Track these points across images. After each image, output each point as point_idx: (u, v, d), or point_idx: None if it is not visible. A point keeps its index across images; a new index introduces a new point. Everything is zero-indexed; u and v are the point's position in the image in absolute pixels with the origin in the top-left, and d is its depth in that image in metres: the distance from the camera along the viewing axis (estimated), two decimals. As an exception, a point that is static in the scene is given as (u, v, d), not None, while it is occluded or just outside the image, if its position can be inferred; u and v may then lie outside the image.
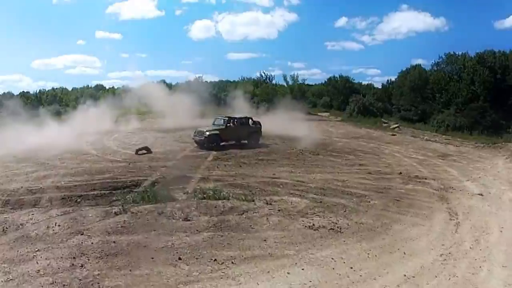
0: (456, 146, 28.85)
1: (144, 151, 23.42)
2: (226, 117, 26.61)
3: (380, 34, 62.79)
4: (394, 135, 34.39)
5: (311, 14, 66.00)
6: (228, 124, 25.83)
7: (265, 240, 10.73)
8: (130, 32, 59.59)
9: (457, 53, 41.08)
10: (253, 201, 14.05)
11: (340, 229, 11.70)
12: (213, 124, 26.41)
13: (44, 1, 58.88)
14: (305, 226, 11.87)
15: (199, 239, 10.61)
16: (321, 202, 14.21)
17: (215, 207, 13.12)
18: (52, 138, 26.71)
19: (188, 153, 23.84)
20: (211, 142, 24.80)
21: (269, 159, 22.33)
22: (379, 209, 13.53)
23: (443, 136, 33.12)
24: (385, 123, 40.63)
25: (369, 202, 14.42)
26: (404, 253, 10.06)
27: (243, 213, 12.73)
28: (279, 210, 13.17)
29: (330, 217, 12.63)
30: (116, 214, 12.37)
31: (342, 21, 65.93)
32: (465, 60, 39.42)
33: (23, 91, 48.81)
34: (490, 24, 55.76)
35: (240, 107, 38.32)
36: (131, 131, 32.13)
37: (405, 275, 8.90)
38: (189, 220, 11.97)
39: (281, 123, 33.86)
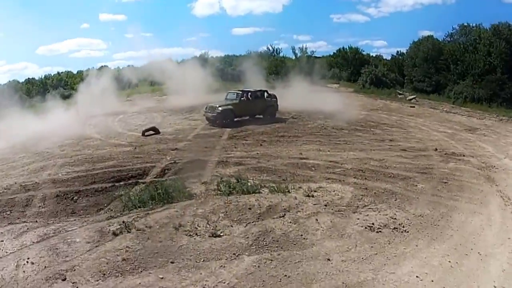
0: (479, 119, 26.17)
1: (152, 132, 20.33)
2: (239, 90, 23.30)
3: (385, 6, 58.26)
4: (413, 106, 31.45)
5: (316, -13, 61.46)
6: (242, 98, 22.56)
7: (328, 259, 7.66)
8: (134, 12, 55.62)
9: (471, 24, 37.98)
10: (289, 191, 11.03)
11: (403, 227, 9.12)
12: (226, 99, 23.12)
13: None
14: (364, 227, 9.03)
15: (241, 272, 7.20)
16: (366, 188, 11.56)
17: (249, 208, 9.77)
18: (55, 124, 23.81)
19: (200, 132, 20.69)
20: (224, 118, 21.66)
21: (290, 136, 19.31)
22: (429, 194, 11.35)
23: (462, 108, 30.29)
24: (400, 94, 37.74)
25: (416, 186, 12.04)
26: (479, 254, 8.15)
27: (285, 214, 9.55)
28: (325, 205, 10.20)
29: (385, 210, 9.99)
30: (114, 234, 8.57)
31: (347, -7, 61.21)
32: (481, 31, 36.32)
33: (28, 78, 45.31)
34: (498, -3, 51.51)
35: (251, 81, 34.60)
36: (137, 111, 28.59)
37: (495, 287, 7.07)
38: (219, 236, 8.50)
39: (292, 96, 30.30)
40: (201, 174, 12.91)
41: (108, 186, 12.29)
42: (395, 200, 10.72)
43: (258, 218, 9.22)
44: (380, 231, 8.74)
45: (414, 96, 36.43)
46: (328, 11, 63.91)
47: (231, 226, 8.88)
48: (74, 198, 11.52)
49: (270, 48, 52.04)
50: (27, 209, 10.77)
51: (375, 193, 11.17)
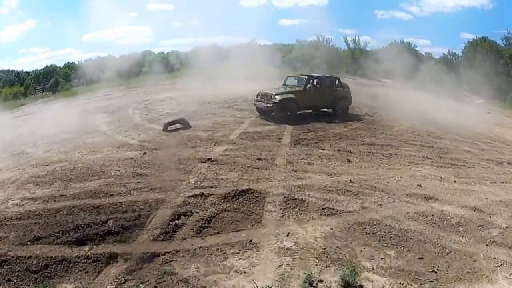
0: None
1: (178, 125, 12.62)
2: (305, 75, 15.10)
3: (427, 6, 50.28)
4: (489, 113, 23.23)
5: (361, -19, 53.69)
6: (309, 86, 14.24)
7: None
8: (182, 2, 48.86)
9: (530, 28, 32.72)
10: None
11: None
12: (284, 85, 14.94)
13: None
14: None
15: None
16: None
17: None
18: (71, 111, 17.27)
19: (249, 129, 12.66)
20: (284, 111, 13.59)
21: (383, 145, 11.32)
22: None
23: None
24: (467, 97, 31.21)
25: None
26: None
27: None
28: None
29: None
30: None
31: (390, -10, 53.13)
32: (541, 36, 31.24)
33: (67, 62, 38.74)
34: (537, 4, 44.74)
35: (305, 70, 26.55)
36: (171, 96, 20.48)
37: None
38: None
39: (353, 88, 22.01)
40: (255, 243, 5.16)
41: (53, 257, 5.26)
42: None
43: None
44: None
45: (483, 100, 29.52)
46: (372, 7, 55.38)
47: None
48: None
49: (321, 38, 43.73)
50: None
51: None
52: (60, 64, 39.25)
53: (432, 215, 6.63)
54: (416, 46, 41.87)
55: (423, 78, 33.87)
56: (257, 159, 8.99)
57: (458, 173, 9.29)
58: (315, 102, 14.36)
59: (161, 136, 11.48)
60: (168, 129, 12.13)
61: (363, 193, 7.09)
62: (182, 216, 6.05)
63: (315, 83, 14.47)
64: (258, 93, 14.15)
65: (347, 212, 6.28)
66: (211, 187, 7.12)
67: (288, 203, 6.47)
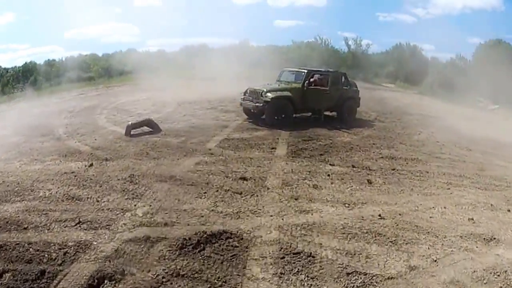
0: None
1: (145, 128, 10.15)
2: (304, 69, 12.51)
3: (434, 8, 48.82)
4: (506, 119, 20.72)
5: (362, -18, 51.38)
6: (310, 80, 11.78)
7: None
8: (170, -1, 46.38)
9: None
10: None
11: None
12: (279, 81, 12.48)
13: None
14: None
15: None
16: None
17: None
18: (37, 111, 15.04)
19: (233, 134, 10.19)
20: (277, 112, 11.09)
21: (406, 158, 8.90)
22: None
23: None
24: (480, 102, 28.54)
25: None
26: None
27: None
28: None
29: None
30: None
31: (394, -9, 51.07)
32: (559, 39, 29.53)
33: (48, 59, 36.74)
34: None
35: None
36: (148, 96, 17.91)
37: None
38: None
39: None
40: None
41: None
42: None
43: None
44: None
45: (498, 106, 27.16)
46: (374, 9, 53.41)
47: None
48: None
49: (319, 39, 41.56)
50: None
51: None
52: (41, 61, 37.49)
53: (505, 272, 4.24)
54: (422, 49, 40.68)
55: (430, 83, 32.25)
56: (241, 178, 6.48)
57: (507, 198, 6.91)
58: (316, 103, 11.69)
59: (121, 142, 8.93)
60: (132, 133, 9.57)
61: (403, 239, 4.57)
62: (106, 281, 3.57)
63: (317, 79, 11.95)
64: (246, 90, 11.57)
65: (388, 279, 3.76)
66: (165, 224, 4.58)
67: (287, 262, 3.90)
